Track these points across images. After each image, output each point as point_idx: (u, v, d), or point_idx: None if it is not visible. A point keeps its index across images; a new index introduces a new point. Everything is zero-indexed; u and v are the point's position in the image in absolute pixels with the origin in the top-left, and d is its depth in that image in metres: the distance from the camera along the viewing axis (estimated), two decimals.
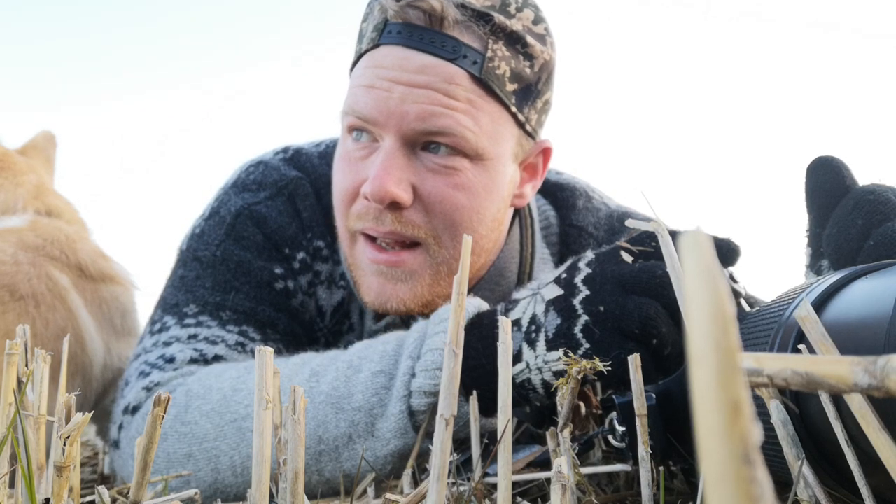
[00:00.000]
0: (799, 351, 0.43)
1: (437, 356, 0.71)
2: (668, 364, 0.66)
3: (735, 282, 0.66)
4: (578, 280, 0.69)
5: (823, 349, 0.39)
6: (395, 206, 0.83)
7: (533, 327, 0.70)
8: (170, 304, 0.92)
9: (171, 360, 0.85)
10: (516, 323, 0.71)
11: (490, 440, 0.72)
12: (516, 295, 0.76)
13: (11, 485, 0.69)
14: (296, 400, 0.42)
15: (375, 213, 0.84)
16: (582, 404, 0.73)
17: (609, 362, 0.54)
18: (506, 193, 0.91)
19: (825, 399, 0.40)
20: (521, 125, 0.88)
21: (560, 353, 0.67)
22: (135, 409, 0.82)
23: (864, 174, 0.60)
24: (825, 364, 0.21)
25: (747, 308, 0.61)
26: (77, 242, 1.12)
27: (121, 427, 0.83)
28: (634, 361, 0.52)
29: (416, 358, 0.72)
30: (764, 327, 0.49)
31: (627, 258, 0.69)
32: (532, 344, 0.69)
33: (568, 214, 1.08)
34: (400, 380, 0.72)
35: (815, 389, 0.21)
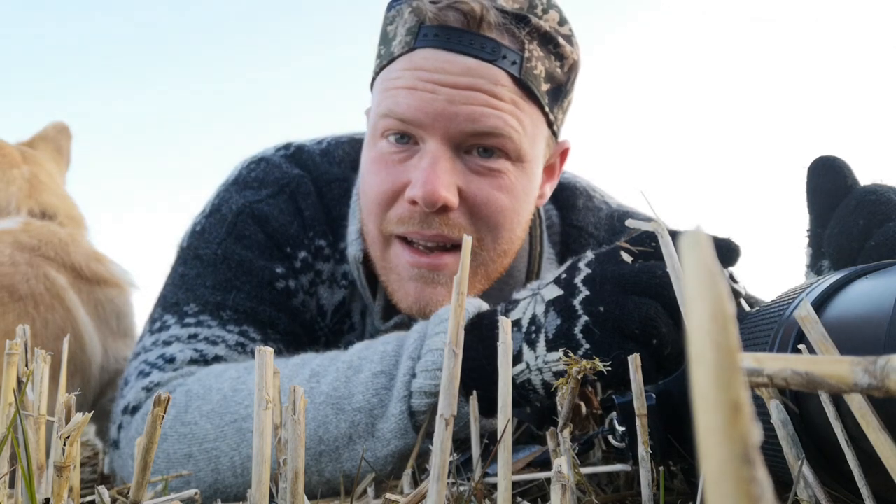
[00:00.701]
0: (799, 351, 0.43)
1: (437, 356, 0.71)
2: (668, 364, 0.65)
3: (735, 282, 0.66)
4: (578, 280, 0.69)
5: (823, 349, 0.39)
6: (443, 209, 0.82)
7: (533, 328, 0.70)
8: (170, 303, 0.92)
9: (171, 360, 0.85)
10: (516, 323, 0.71)
11: (490, 440, 0.72)
12: (516, 295, 0.76)
13: (11, 485, 0.69)
14: (296, 400, 0.42)
15: (421, 216, 0.83)
16: (582, 404, 0.73)
17: (609, 362, 0.54)
18: (536, 195, 0.91)
19: (825, 399, 0.40)
20: (550, 125, 0.89)
21: (560, 353, 0.67)
22: (134, 410, 0.82)
23: (866, 174, 0.60)
24: (825, 364, 0.20)
25: (747, 308, 0.61)
26: (70, 245, 1.11)
27: (120, 427, 0.83)
28: (634, 361, 0.52)
29: (416, 358, 0.72)
30: (764, 327, 0.49)
31: (627, 258, 0.69)
32: (532, 344, 0.69)
33: (568, 214, 1.08)
34: (400, 380, 0.72)
35: (815, 389, 0.21)
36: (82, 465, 1.14)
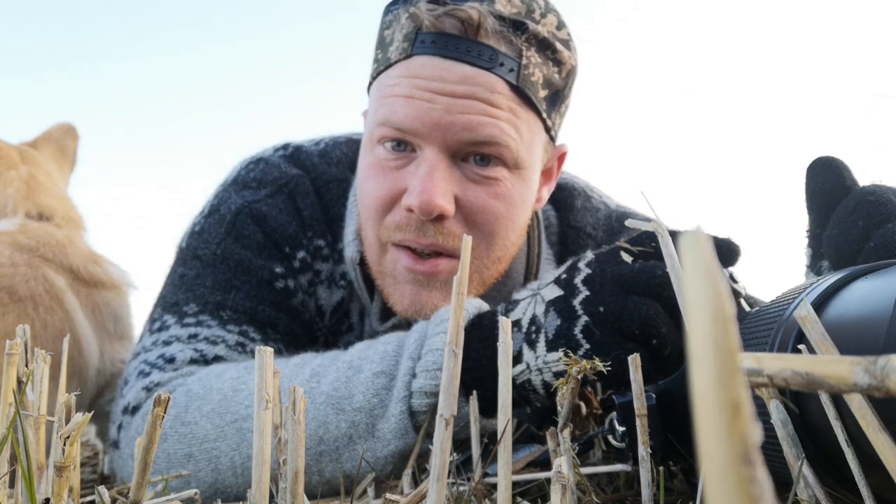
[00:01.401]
0: (799, 351, 0.43)
1: (437, 356, 0.71)
2: (668, 364, 0.65)
3: (735, 282, 0.66)
4: (578, 280, 0.69)
5: (823, 349, 0.39)
6: (439, 217, 0.82)
7: (533, 328, 0.70)
8: (170, 303, 0.92)
9: (171, 360, 0.85)
10: (516, 324, 0.71)
11: (490, 440, 0.72)
12: (516, 295, 0.76)
13: (11, 485, 0.69)
14: (296, 400, 0.42)
15: (417, 224, 0.83)
16: (582, 404, 0.73)
17: (609, 362, 0.54)
18: (533, 200, 0.91)
19: (825, 399, 0.40)
20: (547, 131, 0.89)
21: (560, 353, 0.67)
22: (134, 410, 0.82)
23: (865, 175, 0.60)
24: (825, 364, 0.21)
25: (747, 308, 0.61)
26: (68, 247, 1.11)
27: (120, 427, 0.83)
28: (634, 361, 0.52)
29: (416, 358, 0.72)
30: (764, 327, 0.49)
31: (627, 258, 0.69)
32: (532, 345, 0.69)
33: (566, 215, 1.08)
34: (400, 380, 0.72)
35: (815, 389, 0.21)
36: (82, 465, 1.14)
